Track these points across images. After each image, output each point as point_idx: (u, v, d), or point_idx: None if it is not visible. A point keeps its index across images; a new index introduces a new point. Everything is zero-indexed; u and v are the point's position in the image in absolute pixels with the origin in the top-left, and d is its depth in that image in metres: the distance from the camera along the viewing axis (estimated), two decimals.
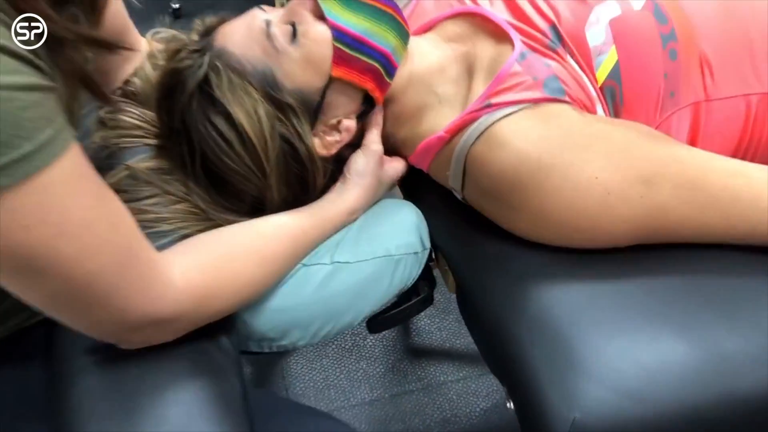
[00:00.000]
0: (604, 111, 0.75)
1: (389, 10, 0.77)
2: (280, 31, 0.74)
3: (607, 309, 0.68)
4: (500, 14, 0.80)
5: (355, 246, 0.79)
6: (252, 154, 0.73)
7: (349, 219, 0.80)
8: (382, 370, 1.45)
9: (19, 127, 0.48)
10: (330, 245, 0.79)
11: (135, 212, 0.63)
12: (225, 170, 0.75)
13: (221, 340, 0.68)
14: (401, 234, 0.81)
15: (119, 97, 0.83)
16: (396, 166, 0.84)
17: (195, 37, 0.78)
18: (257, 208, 0.77)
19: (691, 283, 0.69)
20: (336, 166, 0.81)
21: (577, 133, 0.70)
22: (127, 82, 0.85)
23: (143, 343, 0.62)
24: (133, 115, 0.82)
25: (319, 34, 0.74)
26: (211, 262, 0.67)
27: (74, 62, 0.55)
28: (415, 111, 0.82)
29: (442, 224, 0.84)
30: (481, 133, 0.72)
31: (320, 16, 0.75)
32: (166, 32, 0.88)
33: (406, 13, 0.87)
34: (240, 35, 0.75)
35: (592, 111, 0.74)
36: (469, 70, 0.80)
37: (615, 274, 0.71)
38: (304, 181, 0.78)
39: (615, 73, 0.74)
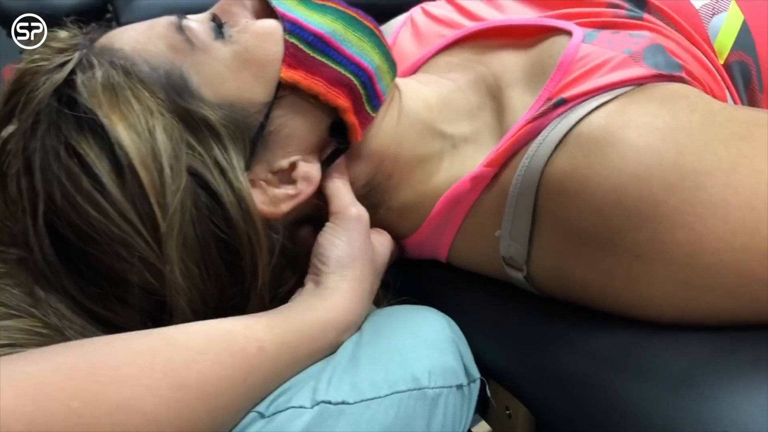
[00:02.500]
0: (734, 99, 0.50)
1: (368, 24, 0.52)
2: (200, 26, 0.47)
3: None
4: (526, 15, 0.56)
5: (353, 372, 0.44)
6: (136, 196, 0.42)
7: (338, 339, 0.46)
8: None
9: None
10: (308, 372, 0.44)
11: None
12: (88, 233, 0.43)
13: None
14: (432, 354, 0.46)
15: None
16: (382, 240, 0.53)
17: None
18: (158, 320, 0.43)
19: None
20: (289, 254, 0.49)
21: (725, 117, 0.42)
22: None
23: None
24: None
25: (264, 27, 0.48)
26: (69, 377, 0.32)
27: None
28: (417, 166, 0.54)
29: (492, 339, 0.50)
30: (560, 143, 0.43)
31: (268, 16, 0.49)
32: None
33: None
34: (136, 32, 0.48)
35: (721, 98, 0.48)
36: (492, 92, 0.54)
37: None
38: (232, 257, 0.45)
39: (744, 39, 0.50)
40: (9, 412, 0.30)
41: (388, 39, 0.65)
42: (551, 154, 0.44)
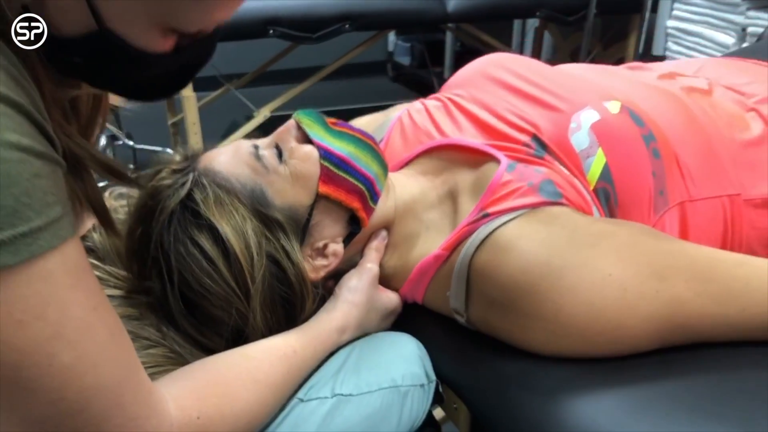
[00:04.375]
0: (600, 213, 0.75)
1: (369, 142, 0.78)
2: (268, 153, 0.73)
3: (655, 417, 0.61)
4: (473, 139, 0.82)
5: (356, 376, 0.70)
6: (237, 273, 0.68)
7: (340, 338, 0.73)
8: None
9: (30, 196, 0.42)
10: (328, 375, 0.70)
11: None
12: (204, 294, 0.68)
13: None
14: (405, 364, 0.73)
15: None
16: (390, 297, 0.79)
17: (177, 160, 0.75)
18: (238, 340, 0.69)
19: (731, 379, 0.65)
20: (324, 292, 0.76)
21: (583, 232, 0.69)
22: (84, 237, 0.79)
23: None
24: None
25: (306, 153, 0.74)
26: (204, 388, 0.58)
27: (85, 183, 0.53)
28: (403, 240, 0.80)
29: (446, 356, 0.77)
30: (482, 242, 0.70)
31: (306, 141, 0.75)
32: (125, 189, 0.85)
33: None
34: (226, 156, 0.73)
35: (588, 213, 0.74)
36: (452, 194, 0.80)
37: (649, 379, 0.65)
38: (291, 305, 0.71)
39: (606, 174, 0.75)
40: (180, 399, 0.56)
41: (384, 133, 0.91)
42: (476, 250, 0.70)
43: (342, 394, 0.68)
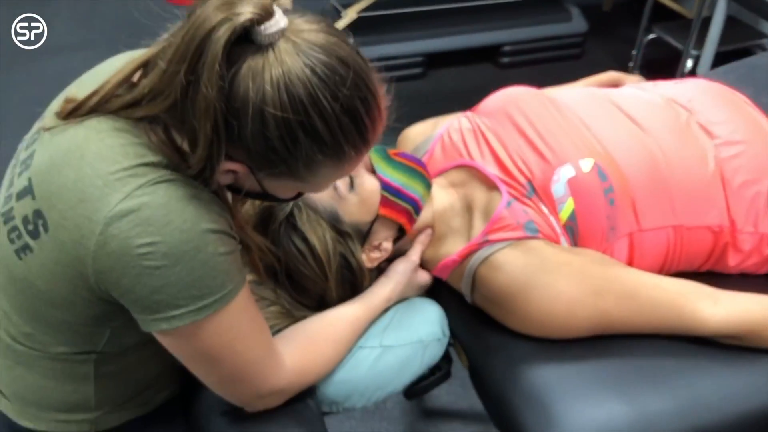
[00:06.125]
0: (567, 242, 1.07)
1: (420, 169, 1.11)
2: (342, 182, 1.06)
3: (576, 381, 0.99)
4: (490, 167, 1.13)
5: (396, 332, 1.09)
6: (319, 265, 1.05)
7: (386, 305, 1.10)
8: (401, 428, 1.74)
9: (225, 272, 0.78)
10: (377, 331, 1.09)
11: None
12: (300, 276, 1.06)
13: (309, 403, 0.98)
14: (428, 325, 1.12)
15: None
16: (425, 277, 1.16)
17: None
18: (322, 304, 1.08)
19: (634, 359, 1.01)
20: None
21: (548, 261, 1.02)
22: None
23: (263, 406, 0.91)
24: None
25: (371, 185, 1.07)
26: (304, 347, 0.97)
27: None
28: (436, 239, 1.15)
29: (458, 318, 1.15)
30: (483, 260, 1.05)
31: (372, 171, 1.08)
32: None
33: (423, 160, 1.21)
34: None
35: (557, 242, 1.07)
36: (469, 208, 1.13)
37: (582, 356, 1.02)
38: (355, 283, 1.09)
39: (572, 217, 1.07)
40: (291, 356, 0.96)
41: (429, 145, 1.24)
42: (479, 265, 1.05)
43: (386, 345, 1.08)
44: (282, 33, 0.69)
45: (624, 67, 3.14)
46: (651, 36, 3.01)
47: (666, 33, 2.95)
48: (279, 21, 0.69)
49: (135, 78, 0.78)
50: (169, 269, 0.73)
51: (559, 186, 1.06)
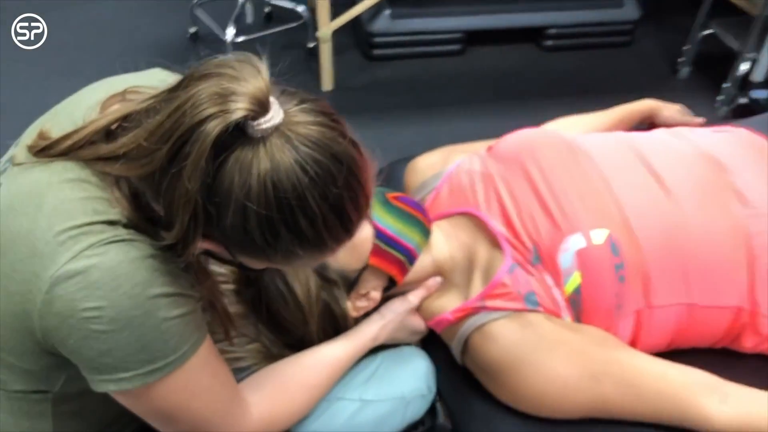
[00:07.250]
0: (570, 316, 1.00)
1: (419, 216, 1.03)
2: None
3: None
4: (496, 222, 1.05)
5: (379, 385, 1.04)
6: (300, 310, 1.00)
7: (372, 345, 1.05)
8: None
9: (179, 334, 0.74)
10: (360, 382, 1.04)
11: (223, 352, 0.88)
12: (281, 318, 1.01)
13: None
14: (414, 380, 1.06)
15: None
16: (419, 323, 1.10)
17: None
18: (304, 342, 1.02)
19: None
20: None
21: (546, 338, 0.95)
22: None
23: None
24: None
25: (363, 233, 1.00)
26: (274, 395, 0.93)
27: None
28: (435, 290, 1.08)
29: (447, 375, 1.09)
30: (477, 328, 0.98)
31: (367, 216, 1.01)
32: None
33: (428, 199, 1.14)
34: None
35: (559, 316, 0.99)
36: (470, 262, 1.06)
37: None
38: (338, 328, 1.04)
39: (578, 291, 0.98)
40: (259, 405, 0.92)
41: (437, 182, 1.15)
42: (473, 331, 0.98)
43: (365, 400, 1.03)
44: (276, 128, 0.64)
45: (673, 62, 2.96)
46: (707, 32, 2.82)
47: (724, 30, 2.76)
48: (274, 117, 0.64)
49: (113, 125, 0.74)
50: (116, 334, 0.71)
51: (566, 256, 0.98)
